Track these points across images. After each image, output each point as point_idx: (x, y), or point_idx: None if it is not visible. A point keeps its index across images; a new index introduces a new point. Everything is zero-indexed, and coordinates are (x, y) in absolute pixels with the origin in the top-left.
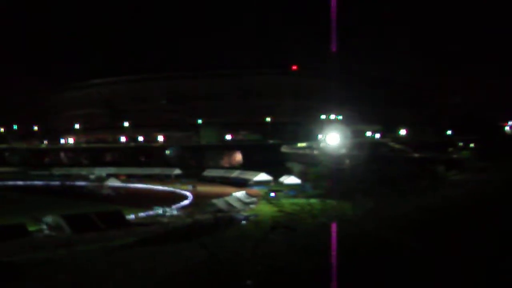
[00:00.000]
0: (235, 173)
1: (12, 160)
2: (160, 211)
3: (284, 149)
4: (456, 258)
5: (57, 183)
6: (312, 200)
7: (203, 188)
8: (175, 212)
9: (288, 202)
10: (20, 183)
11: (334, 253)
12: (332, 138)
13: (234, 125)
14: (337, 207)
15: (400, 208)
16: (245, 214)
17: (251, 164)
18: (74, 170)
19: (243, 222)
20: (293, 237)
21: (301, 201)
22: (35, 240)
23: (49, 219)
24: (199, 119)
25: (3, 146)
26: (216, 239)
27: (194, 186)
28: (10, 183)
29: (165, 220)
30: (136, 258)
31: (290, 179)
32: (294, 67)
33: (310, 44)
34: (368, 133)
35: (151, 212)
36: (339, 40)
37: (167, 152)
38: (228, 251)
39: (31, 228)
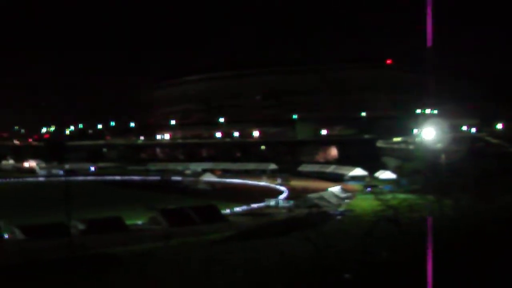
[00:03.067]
0: (331, 168)
1: (110, 155)
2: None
3: (380, 143)
4: None
5: (153, 178)
6: (410, 195)
7: (299, 183)
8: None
9: (386, 198)
10: (117, 178)
11: (432, 247)
12: (428, 133)
13: (329, 120)
14: (434, 203)
15: (496, 204)
16: (341, 209)
17: (346, 159)
18: (170, 166)
19: (339, 217)
20: (393, 231)
21: (399, 196)
22: (132, 233)
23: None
24: (295, 114)
25: (101, 142)
26: (314, 233)
27: (285, 181)
28: (108, 178)
29: (269, 211)
30: (234, 251)
31: (385, 174)
32: (389, 61)
33: (405, 37)
34: (464, 128)
35: (246, 207)
36: (435, 33)
37: None
38: (326, 245)
39: (128, 222)
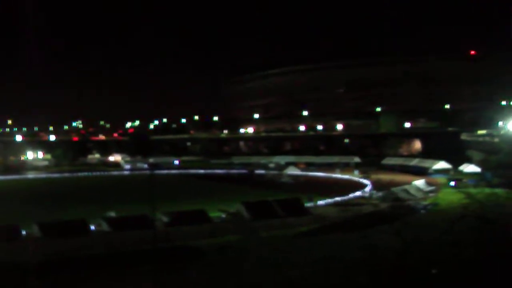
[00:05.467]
0: (414, 161)
1: (194, 149)
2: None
3: (464, 136)
4: None
5: (237, 171)
6: (495, 189)
7: (382, 176)
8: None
9: (471, 191)
10: (201, 171)
11: None
12: None
13: (413, 112)
14: None
15: None
16: (425, 203)
17: (430, 152)
18: (254, 159)
19: (423, 211)
20: (480, 226)
21: (484, 190)
22: (215, 225)
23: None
24: (378, 107)
25: (185, 136)
26: (400, 227)
27: (365, 174)
28: (192, 171)
29: (353, 204)
30: (317, 244)
31: (470, 168)
32: (473, 52)
33: (489, 28)
34: None
35: (330, 200)
36: None
37: None
38: (413, 238)
39: (212, 214)
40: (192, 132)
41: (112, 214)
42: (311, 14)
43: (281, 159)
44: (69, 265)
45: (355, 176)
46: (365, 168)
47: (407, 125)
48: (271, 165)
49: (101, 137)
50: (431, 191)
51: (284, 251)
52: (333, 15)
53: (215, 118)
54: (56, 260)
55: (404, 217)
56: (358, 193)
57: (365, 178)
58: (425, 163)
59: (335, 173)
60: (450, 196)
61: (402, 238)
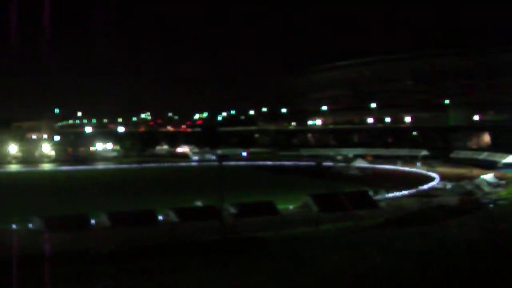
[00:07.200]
0: (483, 155)
1: (262, 141)
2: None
3: None
4: None
5: (305, 163)
6: None
7: (450, 170)
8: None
9: None
10: (269, 163)
11: None
12: None
13: (482, 104)
14: None
15: None
16: (494, 197)
17: (499, 146)
18: (322, 151)
19: (491, 205)
20: None
21: None
22: (283, 217)
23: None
24: (447, 99)
25: (253, 127)
26: (469, 221)
27: (431, 167)
28: (260, 163)
29: (424, 197)
30: (385, 237)
31: None
32: None
33: None
34: None
35: (397, 193)
36: None
37: None
38: (490, 232)
39: (280, 206)
40: (260, 123)
41: (199, 203)
42: (379, 6)
43: (349, 152)
44: (136, 254)
45: (422, 169)
46: (431, 161)
47: (476, 117)
48: (339, 157)
49: (170, 128)
50: (500, 185)
51: (350, 244)
52: (400, 6)
53: (283, 110)
54: (123, 249)
55: (474, 212)
56: (427, 186)
57: (431, 171)
58: (495, 157)
59: (399, 166)
60: None
61: (482, 230)
